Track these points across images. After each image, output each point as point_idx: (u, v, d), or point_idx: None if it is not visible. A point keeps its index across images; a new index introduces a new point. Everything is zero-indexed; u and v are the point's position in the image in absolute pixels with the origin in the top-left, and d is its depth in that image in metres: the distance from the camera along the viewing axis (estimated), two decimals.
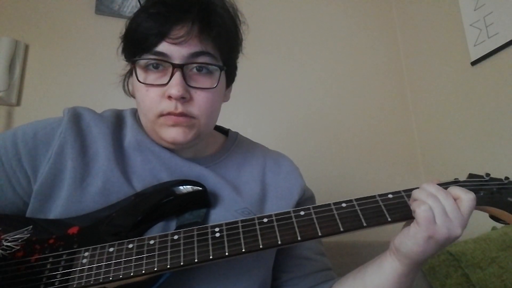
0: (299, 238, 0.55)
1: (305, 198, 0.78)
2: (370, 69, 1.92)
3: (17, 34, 1.44)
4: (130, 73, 0.71)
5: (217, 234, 0.56)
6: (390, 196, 0.60)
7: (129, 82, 0.73)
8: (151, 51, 0.62)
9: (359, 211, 0.58)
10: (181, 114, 0.63)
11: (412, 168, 1.83)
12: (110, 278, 0.53)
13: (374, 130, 1.83)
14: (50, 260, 0.55)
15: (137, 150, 0.69)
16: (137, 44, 0.64)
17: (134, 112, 0.76)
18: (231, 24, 0.68)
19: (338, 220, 0.57)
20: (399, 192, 0.60)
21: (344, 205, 0.59)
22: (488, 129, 1.48)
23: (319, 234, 0.56)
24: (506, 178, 0.60)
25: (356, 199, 0.59)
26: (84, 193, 0.62)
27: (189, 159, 0.71)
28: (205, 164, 0.72)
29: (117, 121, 0.72)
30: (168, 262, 0.54)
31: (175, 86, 0.61)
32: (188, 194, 0.63)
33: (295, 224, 0.57)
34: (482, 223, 0.85)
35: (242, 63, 0.78)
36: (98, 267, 0.54)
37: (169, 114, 0.63)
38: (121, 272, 0.53)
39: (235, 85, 0.79)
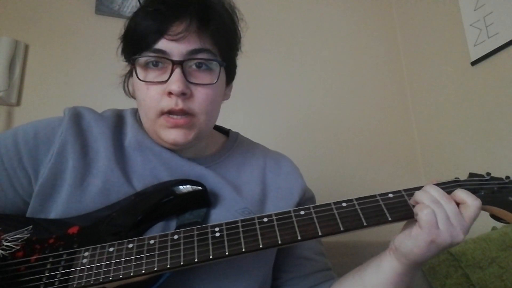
0: (299, 238, 0.55)
1: (306, 199, 0.78)
2: (370, 69, 1.92)
3: (17, 34, 1.44)
4: (130, 74, 0.71)
5: (217, 234, 0.56)
6: (390, 195, 0.60)
7: (129, 83, 0.73)
8: (150, 48, 0.62)
9: (359, 211, 0.58)
10: (182, 111, 0.63)
11: (412, 168, 1.83)
12: (110, 278, 0.52)
13: (374, 130, 1.83)
14: (50, 260, 0.55)
15: (138, 149, 0.69)
16: (136, 42, 0.64)
17: (135, 112, 0.76)
18: (229, 21, 0.68)
19: (338, 220, 0.57)
20: (399, 191, 0.60)
21: (344, 204, 0.58)
22: (488, 129, 1.48)
23: (319, 233, 0.56)
24: (507, 177, 0.60)
25: (357, 199, 0.59)
26: (84, 193, 0.62)
27: (190, 159, 0.71)
28: (206, 164, 0.72)
29: (117, 121, 0.72)
30: (168, 262, 0.53)
31: (176, 82, 0.61)
32: (188, 193, 0.63)
33: (295, 224, 0.56)
34: (482, 223, 0.85)
35: (242, 63, 0.78)
36: (98, 267, 0.54)
37: (169, 112, 0.63)
38: (121, 272, 0.53)
39: (235, 85, 0.79)
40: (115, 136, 0.69)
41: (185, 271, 0.57)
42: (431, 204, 0.55)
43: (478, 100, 1.53)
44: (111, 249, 0.55)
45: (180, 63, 0.62)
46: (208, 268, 0.61)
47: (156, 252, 0.55)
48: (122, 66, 0.72)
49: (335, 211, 0.58)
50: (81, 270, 0.54)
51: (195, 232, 0.56)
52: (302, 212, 0.58)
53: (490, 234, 1.18)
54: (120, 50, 0.69)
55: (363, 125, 1.83)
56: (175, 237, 0.56)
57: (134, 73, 0.66)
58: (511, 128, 1.39)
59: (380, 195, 0.60)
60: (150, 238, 0.56)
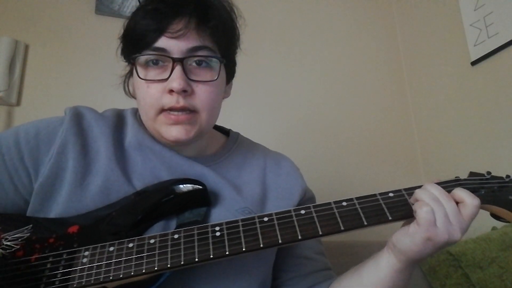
0: (299, 237, 0.55)
1: (306, 199, 0.78)
2: (370, 69, 1.92)
3: (17, 34, 1.43)
4: (130, 74, 0.71)
5: (218, 233, 0.56)
6: (391, 194, 0.60)
7: (129, 83, 0.73)
8: (150, 47, 0.63)
9: (359, 210, 0.58)
10: (183, 108, 0.63)
11: (412, 168, 1.83)
12: (111, 278, 0.52)
13: (374, 130, 1.83)
14: (50, 259, 0.55)
15: (138, 149, 0.69)
16: (136, 41, 0.64)
17: (135, 112, 0.76)
18: (228, 18, 0.69)
19: (338, 219, 0.57)
20: (400, 190, 0.60)
21: (344, 203, 0.58)
22: (488, 129, 1.48)
23: (320, 233, 0.56)
24: (507, 176, 0.60)
25: (357, 198, 0.59)
26: (84, 192, 0.62)
27: (190, 158, 0.71)
28: (206, 164, 0.72)
29: (118, 120, 0.72)
30: (169, 262, 0.53)
31: (176, 79, 0.61)
32: (188, 192, 0.63)
33: (296, 223, 0.56)
34: (482, 223, 0.85)
35: (243, 63, 0.78)
36: (99, 267, 0.54)
37: (170, 109, 0.63)
38: (122, 272, 0.53)
39: (235, 85, 0.79)
40: (115, 136, 0.69)
41: (185, 270, 0.57)
42: (430, 202, 0.55)
43: (478, 100, 1.53)
44: (111, 249, 0.55)
45: (180, 61, 0.62)
46: (208, 267, 0.61)
47: (157, 252, 0.54)
48: (122, 66, 0.72)
49: (335, 211, 0.58)
50: (82, 270, 0.53)
51: (196, 232, 0.56)
52: (303, 212, 0.58)
53: (490, 234, 1.18)
54: (120, 50, 0.70)
55: (363, 125, 1.82)
56: (176, 236, 0.56)
57: (134, 72, 0.66)
58: (511, 128, 1.39)
59: (380, 194, 0.60)
60: (150, 238, 0.56)
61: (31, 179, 0.63)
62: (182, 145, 0.69)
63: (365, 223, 0.57)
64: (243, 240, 0.55)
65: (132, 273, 0.53)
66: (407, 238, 0.56)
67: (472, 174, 0.63)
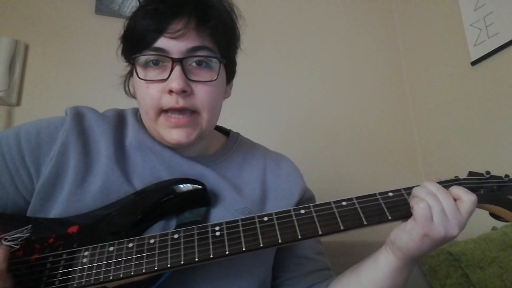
0: (299, 237, 0.55)
1: (305, 199, 0.78)
2: (370, 69, 1.92)
3: (17, 34, 1.43)
4: (130, 74, 0.71)
5: (218, 233, 0.56)
6: (390, 194, 0.60)
7: (129, 83, 0.73)
8: (150, 47, 0.63)
9: (359, 210, 0.58)
10: (183, 109, 0.63)
11: (412, 168, 1.83)
12: (111, 278, 0.52)
13: (374, 130, 1.83)
14: (50, 259, 0.55)
15: (138, 149, 0.69)
16: (136, 42, 0.64)
17: (135, 112, 0.76)
18: (228, 18, 0.68)
19: (338, 219, 0.57)
20: (399, 190, 0.60)
21: (344, 203, 0.58)
22: (488, 129, 1.48)
23: (320, 232, 0.56)
24: (506, 176, 0.60)
25: (357, 197, 0.59)
26: (84, 192, 0.62)
27: (190, 158, 0.71)
28: (206, 164, 0.72)
29: (118, 120, 0.72)
30: (169, 261, 0.53)
31: (176, 79, 0.61)
32: (188, 192, 0.63)
33: (296, 223, 0.57)
34: (482, 223, 0.85)
35: (243, 63, 0.78)
36: (98, 267, 0.54)
37: (170, 110, 0.63)
38: (122, 272, 0.53)
39: (235, 86, 0.79)
40: (116, 136, 0.69)
41: (185, 270, 0.58)
42: (426, 198, 0.55)
43: (478, 100, 1.53)
44: (111, 249, 0.55)
45: (180, 61, 0.62)
46: (208, 267, 0.61)
47: (157, 252, 0.55)
48: (122, 66, 0.72)
49: (335, 210, 0.58)
50: (81, 270, 0.54)
51: (196, 231, 0.56)
52: (302, 211, 0.58)
53: (490, 234, 1.18)
54: (120, 50, 0.70)
55: (363, 125, 1.82)
56: (175, 236, 0.56)
57: (134, 72, 0.66)
58: (511, 128, 1.39)
59: (380, 194, 0.60)
60: (150, 237, 0.56)
61: (32, 179, 0.63)
62: (183, 147, 0.69)
63: (365, 222, 0.57)
64: (243, 240, 0.55)
65: (132, 273, 0.53)
66: (405, 235, 0.56)
67: (471, 173, 0.63)
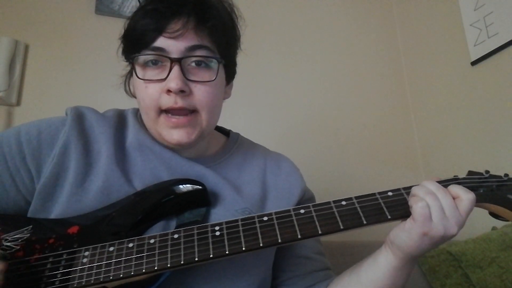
0: (299, 236, 0.55)
1: (305, 199, 0.78)
2: (370, 69, 1.92)
3: (17, 34, 1.44)
4: (130, 74, 0.71)
5: (217, 233, 0.56)
6: (390, 193, 0.60)
7: (130, 83, 0.73)
8: (149, 47, 0.63)
9: (359, 209, 0.58)
10: (181, 109, 0.63)
11: (412, 168, 1.83)
12: (111, 278, 0.53)
13: (374, 130, 1.83)
14: (50, 260, 0.55)
15: (138, 149, 0.69)
16: (135, 41, 0.64)
17: (136, 112, 0.76)
18: (227, 18, 0.68)
19: (338, 218, 0.57)
20: (398, 189, 0.60)
21: (344, 203, 0.59)
22: (488, 129, 1.48)
23: (319, 232, 0.56)
24: (506, 175, 0.60)
25: (356, 197, 0.59)
26: (85, 193, 0.62)
27: (190, 158, 0.71)
28: (206, 164, 0.72)
29: (119, 121, 0.72)
30: (169, 261, 0.53)
31: (174, 79, 0.61)
32: (188, 192, 0.63)
33: (295, 222, 0.57)
34: (482, 223, 0.86)
35: (243, 63, 0.78)
36: (99, 267, 0.54)
37: (169, 110, 0.63)
38: (122, 272, 0.53)
39: (235, 86, 0.79)
40: (116, 136, 0.69)
41: (185, 270, 0.58)
42: (425, 197, 0.55)
43: (478, 100, 1.53)
44: (111, 249, 0.55)
45: (179, 61, 0.62)
46: (208, 267, 0.61)
47: (157, 251, 0.55)
48: (122, 66, 0.72)
49: (334, 210, 0.58)
50: (82, 270, 0.54)
51: (195, 231, 0.56)
52: (302, 211, 0.58)
53: (490, 234, 1.18)
54: (120, 50, 0.70)
55: (363, 125, 1.82)
56: (175, 236, 0.56)
57: (133, 71, 0.66)
58: (511, 128, 1.39)
59: (379, 193, 0.60)
60: (150, 238, 0.56)
61: (33, 179, 0.63)
62: (184, 147, 0.69)
63: (365, 222, 0.57)
64: (242, 240, 0.55)
65: (132, 273, 0.53)
66: (404, 234, 0.56)
67: (470, 173, 0.63)
